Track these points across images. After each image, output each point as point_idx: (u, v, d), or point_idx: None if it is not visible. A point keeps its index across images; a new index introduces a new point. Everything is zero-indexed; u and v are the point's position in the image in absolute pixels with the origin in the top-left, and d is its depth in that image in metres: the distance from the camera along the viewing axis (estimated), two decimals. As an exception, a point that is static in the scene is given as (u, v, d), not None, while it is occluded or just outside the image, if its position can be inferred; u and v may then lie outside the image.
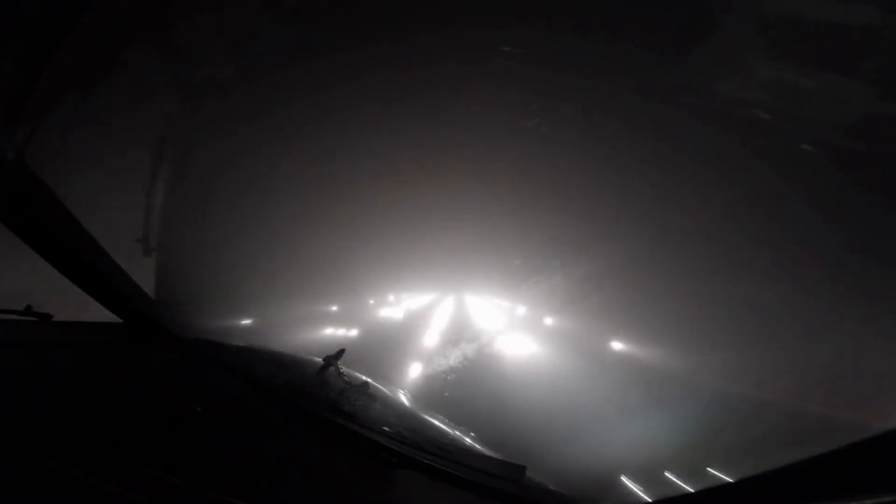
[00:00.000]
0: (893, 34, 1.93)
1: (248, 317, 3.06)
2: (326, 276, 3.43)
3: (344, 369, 1.64)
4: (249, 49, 2.79)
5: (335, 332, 3.30)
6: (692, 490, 1.14)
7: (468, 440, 1.66)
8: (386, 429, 1.41)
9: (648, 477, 1.83)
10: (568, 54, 2.53)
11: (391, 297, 3.75)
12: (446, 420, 1.81)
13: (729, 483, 1.05)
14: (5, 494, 0.83)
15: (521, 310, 3.26)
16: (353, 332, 3.38)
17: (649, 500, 1.30)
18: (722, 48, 2.31)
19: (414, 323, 3.57)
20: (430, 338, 3.30)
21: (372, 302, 3.68)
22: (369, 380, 1.65)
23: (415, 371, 2.96)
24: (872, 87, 2.06)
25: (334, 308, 3.53)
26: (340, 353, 1.67)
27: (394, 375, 2.86)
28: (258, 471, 1.11)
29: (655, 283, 2.70)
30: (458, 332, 3.11)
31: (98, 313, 1.53)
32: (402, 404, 1.94)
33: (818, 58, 2.14)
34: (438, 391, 2.76)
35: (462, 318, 3.35)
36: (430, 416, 1.85)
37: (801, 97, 2.25)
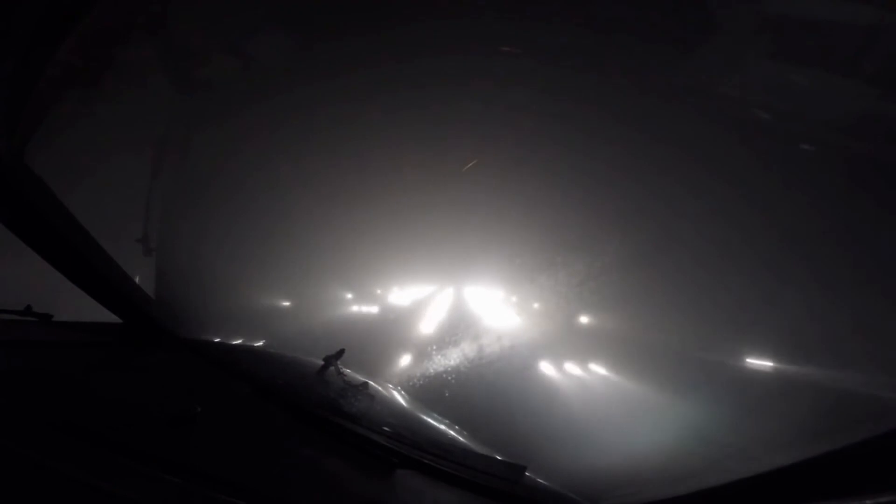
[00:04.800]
0: (893, 34, 1.93)
1: (248, 316, 3.06)
2: (327, 275, 3.43)
3: (344, 369, 1.64)
4: (249, 49, 2.79)
5: (335, 331, 3.30)
6: (693, 490, 1.14)
7: (468, 440, 1.66)
8: (386, 429, 1.41)
9: (649, 476, 1.83)
10: (568, 54, 2.53)
11: (392, 294, 3.75)
12: (446, 420, 1.81)
13: (729, 483, 1.05)
14: (5, 494, 0.83)
15: (522, 307, 3.26)
16: (353, 331, 3.38)
17: (649, 500, 1.30)
18: (722, 48, 2.31)
19: (414, 322, 3.57)
20: (430, 337, 3.30)
21: (373, 300, 3.68)
22: (369, 380, 1.65)
23: (415, 370, 2.96)
24: (872, 87, 2.06)
25: (334, 307, 3.53)
26: (340, 353, 1.68)
27: (393, 375, 2.86)
28: (258, 471, 1.11)
29: (658, 281, 2.70)
30: (459, 332, 3.11)
31: (98, 313, 1.53)
32: (401, 404, 1.94)
33: (818, 58, 2.14)
34: (438, 391, 2.75)
35: (462, 317, 3.35)
36: (430, 416, 1.86)
37: (801, 97, 2.25)
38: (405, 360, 3.05)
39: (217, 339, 1.75)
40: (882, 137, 2.13)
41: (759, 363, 2.41)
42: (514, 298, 3.33)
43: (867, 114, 2.13)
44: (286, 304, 3.38)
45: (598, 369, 2.92)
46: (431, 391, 2.74)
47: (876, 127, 2.12)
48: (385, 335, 3.42)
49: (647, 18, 2.31)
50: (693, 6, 2.30)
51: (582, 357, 3.03)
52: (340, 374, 1.61)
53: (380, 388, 1.80)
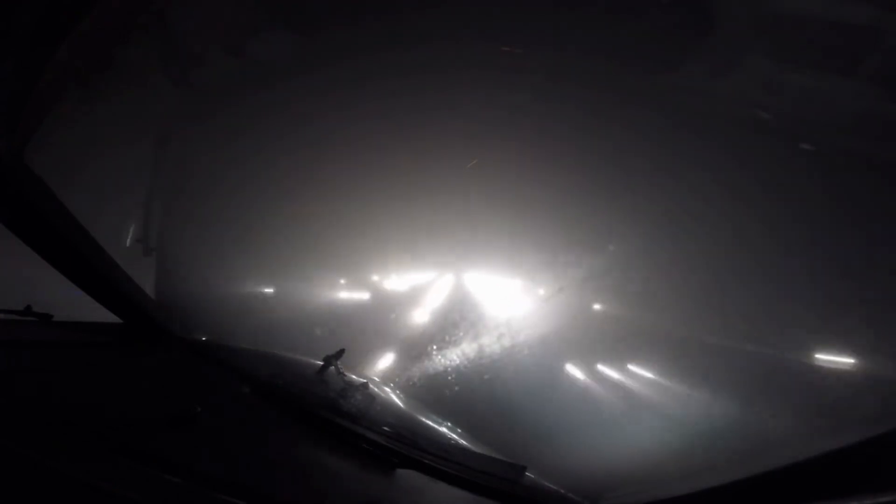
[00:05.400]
0: (893, 34, 1.93)
1: (248, 316, 3.06)
2: (327, 275, 3.43)
3: (344, 369, 1.64)
4: (249, 49, 2.79)
5: (335, 331, 3.30)
6: (693, 490, 1.14)
7: (468, 440, 1.67)
8: (386, 429, 1.41)
9: (649, 476, 1.83)
10: (569, 54, 2.53)
11: (392, 294, 3.75)
12: (446, 420, 1.81)
13: (729, 483, 1.05)
14: (6, 494, 0.83)
15: (523, 306, 3.26)
16: (353, 331, 3.38)
17: (649, 500, 1.30)
18: (722, 48, 2.31)
19: (414, 321, 3.57)
20: (431, 336, 3.30)
21: (374, 300, 3.68)
22: (369, 380, 1.65)
23: (415, 370, 2.96)
24: (872, 87, 2.06)
25: (334, 306, 3.53)
26: (340, 352, 1.67)
27: (393, 375, 2.86)
28: (258, 471, 1.11)
29: (658, 279, 2.70)
30: (459, 332, 3.11)
31: (98, 313, 1.53)
32: (401, 404, 1.94)
33: (818, 58, 2.15)
34: (438, 391, 2.75)
35: (463, 316, 3.35)
36: (430, 416, 1.86)
37: (801, 97, 2.25)
38: (406, 360, 3.05)
39: (217, 339, 1.75)
40: (882, 137, 2.13)
41: (759, 363, 2.41)
42: (514, 298, 3.33)
43: (867, 114, 2.13)
44: (286, 303, 3.38)
45: (599, 369, 2.92)
46: (431, 391, 2.74)
47: (876, 127, 2.12)
48: (385, 335, 3.41)
49: (649, 19, 2.31)
50: (693, 6, 2.30)
51: (582, 357, 3.03)
52: (340, 374, 1.61)
53: (380, 388, 1.80)
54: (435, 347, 3.04)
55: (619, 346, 2.95)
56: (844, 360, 2.20)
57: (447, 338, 3.07)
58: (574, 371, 2.96)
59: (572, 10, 2.41)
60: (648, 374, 2.70)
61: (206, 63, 2.78)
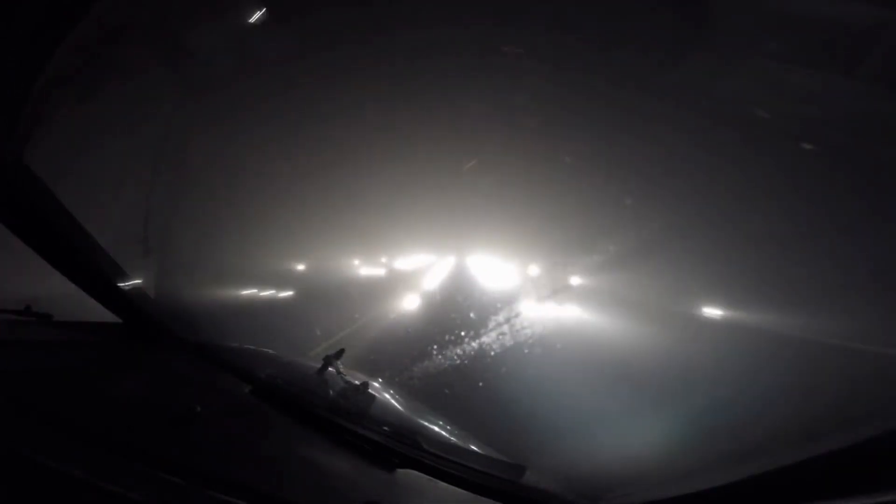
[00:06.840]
0: (893, 34, 1.93)
1: (249, 316, 3.06)
2: (327, 275, 3.43)
3: (343, 369, 1.64)
4: (249, 49, 2.79)
5: (335, 330, 3.30)
6: (693, 490, 1.14)
7: (468, 440, 1.66)
8: (386, 428, 1.41)
9: (649, 476, 1.83)
10: (569, 54, 2.53)
11: (392, 295, 3.76)
12: (446, 419, 1.81)
13: (729, 483, 1.05)
14: (5, 494, 0.83)
15: (523, 308, 3.26)
16: (353, 330, 3.38)
17: (649, 500, 1.30)
18: (722, 48, 2.31)
19: (414, 321, 3.58)
20: (431, 336, 3.31)
21: (374, 300, 3.68)
22: (369, 380, 1.65)
23: (415, 370, 2.97)
24: (872, 87, 2.06)
25: (334, 306, 3.53)
26: (340, 352, 1.67)
27: (393, 374, 2.87)
28: (258, 471, 1.11)
29: (656, 278, 2.71)
30: (459, 332, 3.11)
31: (98, 313, 1.53)
32: (401, 403, 1.94)
33: (818, 58, 2.15)
34: (439, 390, 2.76)
35: (463, 316, 3.35)
36: (430, 416, 1.86)
37: (801, 97, 2.25)
38: (405, 360, 3.06)
39: (217, 340, 1.75)
40: (882, 137, 2.13)
41: (759, 365, 2.41)
42: (514, 298, 3.33)
43: (867, 114, 2.13)
44: (286, 303, 3.38)
45: (598, 370, 2.92)
46: (431, 390, 2.75)
47: (876, 127, 2.12)
48: (385, 334, 3.42)
49: (649, 19, 2.31)
50: (694, 6, 2.30)
51: (582, 358, 3.04)
52: (340, 373, 1.61)
53: (380, 388, 1.80)
54: (435, 348, 3.05)
55: (619, 350, 2.96)
56: (843, 361, 2.20)
57: (447, 338, 3.08)
58: (574, 372, 2.96)
59: (573, 9, 2.41)
60: (648, 376, 2.70)
61: (206, 64, 2.78)
